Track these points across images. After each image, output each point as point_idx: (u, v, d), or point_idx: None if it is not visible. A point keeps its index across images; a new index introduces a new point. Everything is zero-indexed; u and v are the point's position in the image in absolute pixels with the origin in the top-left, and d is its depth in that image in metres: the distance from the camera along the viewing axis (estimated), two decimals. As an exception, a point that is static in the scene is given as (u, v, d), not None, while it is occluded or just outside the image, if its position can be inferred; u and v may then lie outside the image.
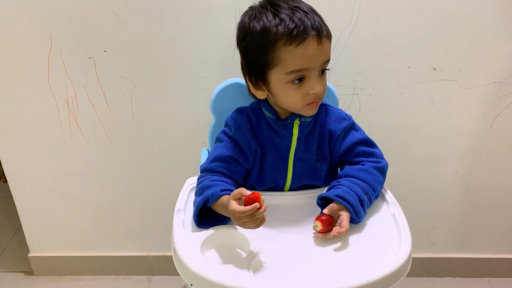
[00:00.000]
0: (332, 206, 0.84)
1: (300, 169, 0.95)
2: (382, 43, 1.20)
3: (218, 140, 0.96)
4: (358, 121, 0.99)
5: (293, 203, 0.92)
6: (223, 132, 0.95)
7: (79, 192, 1.43)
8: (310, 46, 0.81)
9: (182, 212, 0.83)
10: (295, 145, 0.93)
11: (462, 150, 1.35)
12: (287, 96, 0.86)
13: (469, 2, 1.15)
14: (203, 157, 1.07)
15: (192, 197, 0.89)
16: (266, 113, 0.93)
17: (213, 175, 0.90)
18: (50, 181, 1.41)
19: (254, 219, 0.74)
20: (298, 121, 0.92)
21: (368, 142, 0.97)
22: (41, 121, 1.32)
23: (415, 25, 1.18)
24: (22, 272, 1.60)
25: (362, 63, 1.23)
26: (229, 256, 0.76)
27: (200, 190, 0.86)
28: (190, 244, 0.75)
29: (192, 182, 0.93)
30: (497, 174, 1.39)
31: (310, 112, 0.89)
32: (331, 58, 0.88)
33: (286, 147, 0.93)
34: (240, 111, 0.96)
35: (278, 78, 0.85)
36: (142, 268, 1.56)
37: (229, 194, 0.81)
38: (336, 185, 0.89)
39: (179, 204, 0.85)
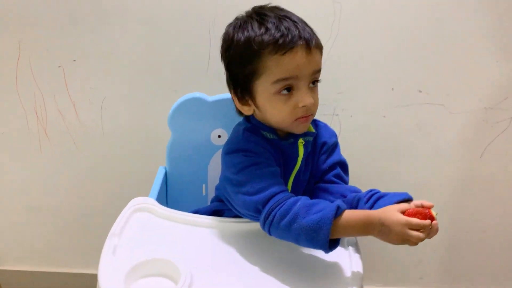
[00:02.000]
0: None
1: (297, 192, 0.86)
2: (364, 61, 1.14)
3: (243, 169, 0.78)
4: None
5: (249, 229, 0.82)
6: (245, 156, 0.79)
7: (47, 204, 1.37)
8: (299, 55, 0.75)
9: (117, 236, 0.75)
10: (298, 167, 0.85)
11: (451, 179, 1.26)
12: (274, 109, 0.79)
13: (458, 22, 1.09)
14: (159, 175, 1.00)
15: (133, 219, 0.81)
16: (266, 134, 0.83)
17: (289, 194, 0.76)
18: (17, 192, 1.36)
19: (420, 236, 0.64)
20: (303, 141, 0.84)
21: (346, 167, 0.90)
22: (9, 129, 1.27)
23: (400, 43, 1.11)
24: (-11, 285, 1.54)
25: (342, 81, 1.16)
26: (157, 289, 0.69)
27: (305, 209, 0.70)
28: (116, 274, 0.68)
29: (137, 202, 0.84)
30: (488, 205, 1.29)
31: (300, 128, 0.81)
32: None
33: (290, 169, 0.85)
34: (249, 130, 0.83)
35: (264, 89, 0.78)
36: (112, 287, 1.49)
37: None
38: (378, 194, 0.77)
39: (115, 227, 0.77)
